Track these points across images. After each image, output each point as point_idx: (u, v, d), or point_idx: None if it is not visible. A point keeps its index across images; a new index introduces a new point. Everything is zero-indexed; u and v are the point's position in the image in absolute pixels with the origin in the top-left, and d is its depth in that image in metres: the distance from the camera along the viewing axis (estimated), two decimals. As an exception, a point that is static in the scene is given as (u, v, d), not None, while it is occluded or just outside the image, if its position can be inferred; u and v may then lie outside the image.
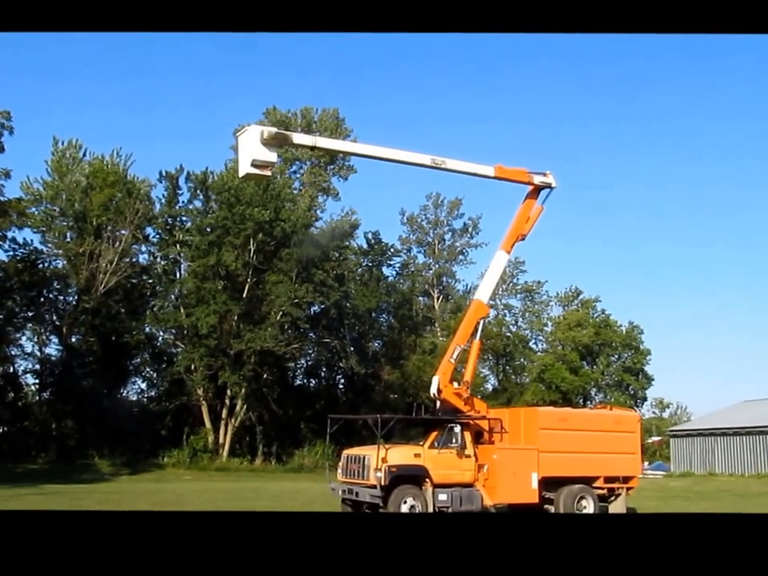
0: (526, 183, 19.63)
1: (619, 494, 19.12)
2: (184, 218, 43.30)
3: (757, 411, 43.41)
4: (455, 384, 18.58)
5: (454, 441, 17.24)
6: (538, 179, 19.51)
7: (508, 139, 79.72)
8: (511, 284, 60.79)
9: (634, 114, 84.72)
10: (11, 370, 42.46)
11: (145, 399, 47.58)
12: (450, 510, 16.45)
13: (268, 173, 17.30)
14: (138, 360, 46.81)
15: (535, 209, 19.78)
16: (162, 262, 44.08)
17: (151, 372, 47.91)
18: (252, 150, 15.89)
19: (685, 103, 79.70)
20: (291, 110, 51.66)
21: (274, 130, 17.42)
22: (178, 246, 42.98)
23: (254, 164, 15.98)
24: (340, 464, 18.07)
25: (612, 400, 53.15)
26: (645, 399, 63.18)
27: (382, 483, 16.00)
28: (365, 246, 49.12)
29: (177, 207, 42.75)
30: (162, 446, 40.60)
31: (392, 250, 50.79)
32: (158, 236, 43.89)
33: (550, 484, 17.96)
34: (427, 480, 16.56)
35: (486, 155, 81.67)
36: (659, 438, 61.02)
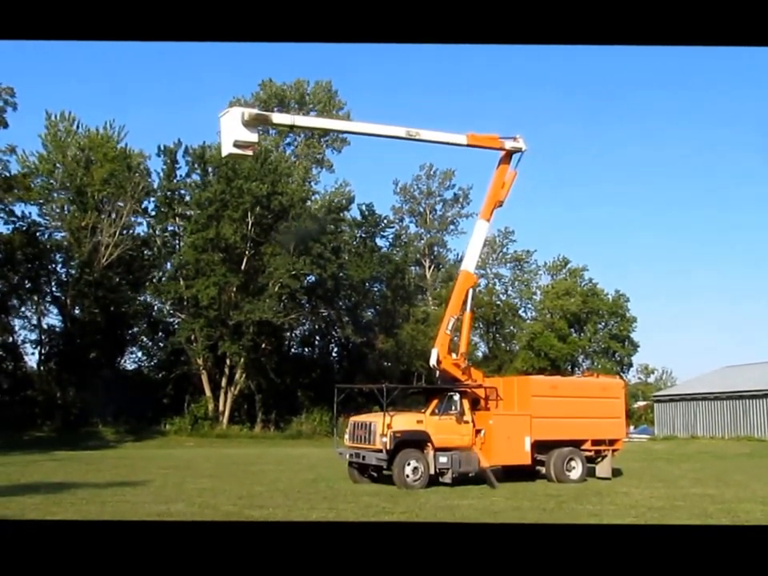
0: (497, 149, 19.96)
1: (605, 456, 20.35)
2: (182, 192, 43.80)
3: (737, 377, 44.67)
4: (453, 355, 19.68)
5: (453, 408, 18.37)
6: (508, 144, 19.87)
7: (501, 107, 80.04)
8: (501, 253, 61.89)
9: (616, 77, 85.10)
10: (10, 340, 43.05)
11: (143, 369, 48.48)
12: (449, 471, 17.69)
13: (250, 152, 17.94)
14: (136, 330, 47.60)
15: (509, 174, 20.14)
16: (161, 235, 44.66)
17: (148, 342, 48.79)
18: (234, 131, 16.56)
19: (664, 66, 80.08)
20: (285, 82, 52.23)
21: (255, 111, 18.18)
22: (177, 219, 43.59)
23: (236, 144, 16.71)
24: (347, 430, 19.11)
25: (599, 366, 54.66)
26: (631, 365, 65.09)
27: (388, 447, 17.16)
28: (359, 217, 49.92)
29: (175, 181, 43.19)
30: (163, 414, 41.73)
31: (385, 221, 51.57)
32: (156, 209, 44.27)
33: (541, 447, 19.22)
34: (429, 444, 17.70)
35: (483, 125, 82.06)
36: (644, 402, 62.24)
